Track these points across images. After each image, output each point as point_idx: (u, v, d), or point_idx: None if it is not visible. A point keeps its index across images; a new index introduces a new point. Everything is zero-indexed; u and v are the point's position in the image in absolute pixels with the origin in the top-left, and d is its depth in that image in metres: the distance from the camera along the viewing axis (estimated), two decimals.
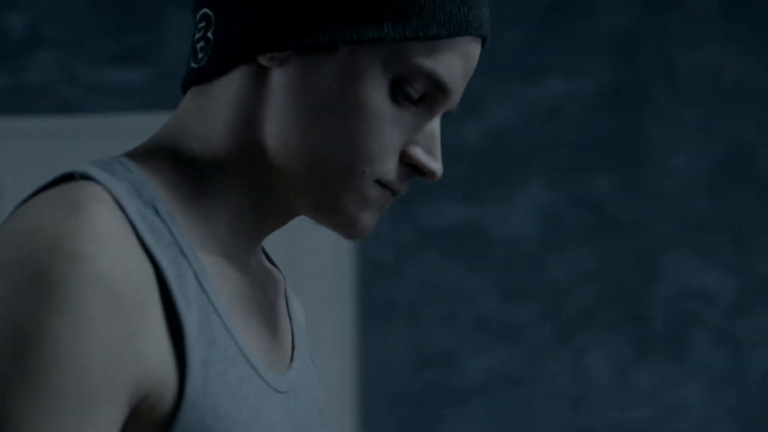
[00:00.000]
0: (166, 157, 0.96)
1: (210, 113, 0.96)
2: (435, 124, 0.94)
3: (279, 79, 0.94)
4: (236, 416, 0.88)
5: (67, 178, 0.91)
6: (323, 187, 0.94)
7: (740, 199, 4.81)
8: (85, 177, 0.90)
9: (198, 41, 0.97)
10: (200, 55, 0.97)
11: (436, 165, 0.94)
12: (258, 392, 0.91)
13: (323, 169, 0.93)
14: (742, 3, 4.17)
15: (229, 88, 0.96)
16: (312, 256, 5.05)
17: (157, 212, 0.90)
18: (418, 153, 0.94)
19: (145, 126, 4.12)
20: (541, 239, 4.15)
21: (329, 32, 0.91)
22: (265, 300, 1.00)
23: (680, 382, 4.79)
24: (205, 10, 0.97)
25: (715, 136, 4.23)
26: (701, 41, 4.15)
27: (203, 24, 0.97)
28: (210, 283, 0.91)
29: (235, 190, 0.96)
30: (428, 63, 0.91)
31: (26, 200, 0.92)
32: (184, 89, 1.01)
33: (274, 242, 4.57)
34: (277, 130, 0.94)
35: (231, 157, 0.96)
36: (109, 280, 0.83)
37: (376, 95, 0.92)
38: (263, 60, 0.94)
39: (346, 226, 0.95)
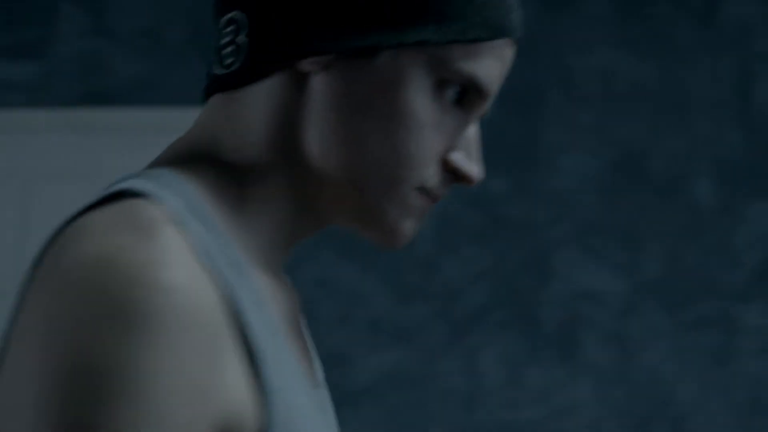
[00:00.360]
0: (204, 168, 0.92)
1: (244, 121, 0.93)
2: (473, 128, 0.93)
3: (319, 85, 0.91)
4: None
5: (120, 194, 0.86)
6: (364, 195, 0.91)
7: (632, 201, 4.88)
8: (139, 193, 0.85)
9: (225, 46, 0.93)
10: (228, 61, 0.93)
11: (476, 170, 0.92)
12: (313, 413, 0.89)
13: (365, 178, 0.91)
14: (636, 5, 4.23)
15: (264, 94, 0.92)
16: None
17: (211, 230, 0.86)
18: (459, 158, 0.92)
19: (32, 122, 4.03)
20: (434, 240, 4.17)
21: (372, 36, 0.88)
22: (295, 314, 0.98)
23: (570, 382, 4.84)
24: (234, 13, 0.92)
25: (608, 137, 4.28)
26: (596, 43, 4.20)
27: (232, 28, 0.92)
28: (268, 303, 0.89)
29: (275, 200, 0.92)
30: (469, 66, 0.90)
31: (73, 218, 0.86)
32: (207, 96, 0.96)
33: None
34: (317, 137, 0.91)
35: (270, 166, 0.92)
36: (192, 311, 0.78)
37: (419, 100, 0.90)
38: (304, 65, 0.91)
39: (386, 236, 0.93)
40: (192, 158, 0.92)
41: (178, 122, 4.96)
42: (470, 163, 0.93)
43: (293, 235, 0.94)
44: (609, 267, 4.89)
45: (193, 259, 0.80)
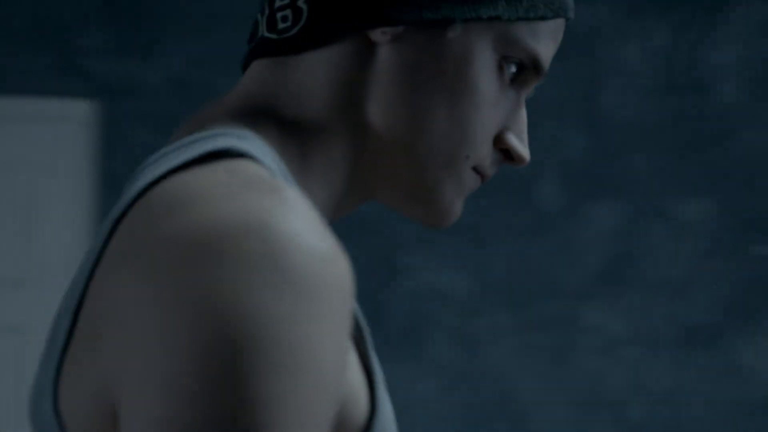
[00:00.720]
0: (269, 130, 0.88)
1: (303, 87, 0.89)
2: (524, 109, 0.94)
3: (388, 56, 0.89)
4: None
5: (218, 153, 0.81)
6: (425, 170, 0.90)
7: (478, 202, 4.96)
8: (242, 154, 0.81)
9: (280, 9, 0.89)
10: (283, 25, 0.89)
11: (526, 152, 0.92)
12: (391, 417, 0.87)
13: (428, 152, 0.89)
14: None
15: (327, 62, 0.89)
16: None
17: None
18: (513, 139, 0.92)
19: None
20: None
21: (444, 9, 0.87)
22: None
23: (417, 379, 4.91)
24: None
25: None
26: None
27: None
28: None
29: (334, 168, 0.90)
30: (533, 43, 0.90)
31: (152, 183, 0.79)
32: (251, 59, 0.92)
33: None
34: (382, 107, 0.89)
35: (332, 133, 0.89)
36: (344, 280, 0.74)
37: (486, 76, 0.89)
38: (374, 35, 0.88)
39: (438, 213, 0.92)
40: (256, 118, 0.89)
41: (19, 111, 4.92)
42: (522, 146, 0.93)
43: (339, 207, 0.92)
44: (455, 266, 4.96)
45: (325, 228, 0.76)
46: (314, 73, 0.90)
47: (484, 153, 0.91)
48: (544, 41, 0.91)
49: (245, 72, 0.96)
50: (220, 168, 0.78)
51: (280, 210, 0.73)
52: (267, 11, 0.91)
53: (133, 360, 0.71)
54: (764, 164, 4.14)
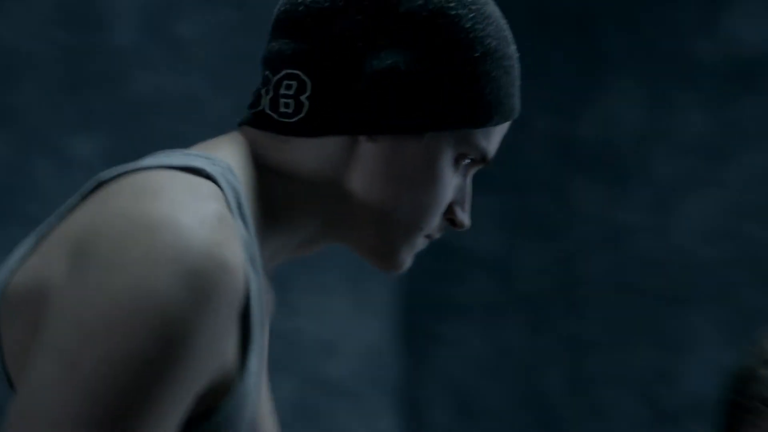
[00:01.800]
0: (253, 172, 1.10)
1: (293, 159, 1.11)
2: (470, 183, 1.16)
3: (369, 150, 1.11)
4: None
5: (190, 169, 1.03)
6: (387, 238, 1.13)
7: None
8: (210, 177, 1.03)
9: (285, 96, 1.10)
10: (285, 110, 1.10)
11: (467, 219, 1.15)
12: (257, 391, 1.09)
13: (393, 226, 1.12)
14: None
15: (317, 146, 1.11)
16: None
17: (248, 227, 1.05)
18: (459, 211, 1.15)
19: None
20: None
21: (424, 120, 1.10)
22: (269, 310, 1.21)
23: None
24: (298, 72, 1.10)
25: None
26: None
27: (294, 84, 1.10)
28: (263, 298, 1.08)
29: (305, 216, 1.12)
30: (485, 143, 1.12)
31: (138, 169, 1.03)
32: (251, 123, 1.13)
33: None
34: (360, 188, 1.11)
35: (311, 189, 1.11)
36: (238, 295, 0.96)
37: (447, 169, 1.12)
38: (359, 136, 1.11)
39: (389, 265, 1.14)
40: (246, 161, 1.10)
41: None
42: (464, 214, 1.15)
43: (302, 247, 1.14)
44: None
45: (241, 250, 0.98)
46: (304, 152, 1.11)
47: (435, 224, 1.14)
48: (495, 138, 1.14)
49: (242, 126, 1.16)
50: (190, 180, 1.01)
51: (215, 228, 0.95)
52: (272, 93, 1.12)
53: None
54: (155, 106, 3.72)
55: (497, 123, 1.13)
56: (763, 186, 3.64)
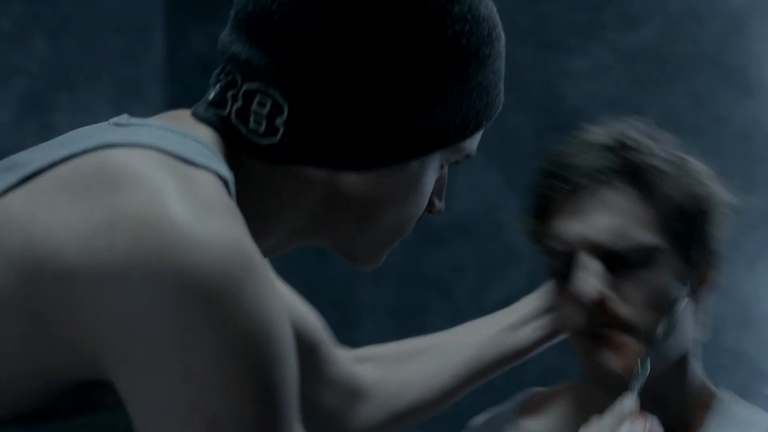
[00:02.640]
0: (240, 166, 0.99)
1: (276, 175, 1.00)
2: (446, 170, 1.07)
3: (351, 179, 1.00)
4: None
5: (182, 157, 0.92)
6: (370, 244, 1.05)
7: None
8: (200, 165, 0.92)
9: (255, 114, 0.98)
10: (256, 128, 0.98)
11: (443, 205, 1.08)
12: None
13: (377, 235, 1.04)
14: None
15: (299, 170, 1.00)
16: None
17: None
18: (437, 202, 1.08)
19: None
20: None
21: (413, 150, 1.00)
22: None
23: None
24: (273, 92, 0.97)
25: None
26: None
27: (267, 103, 0.97)
28: None
29: (280, 226, 1.02)
30: (470, 145, 1.04)
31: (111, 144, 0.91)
32: (211, 125, 1.00)
33: None
34: (343, 207, 1.02)
35: (288, 206, 1.01)
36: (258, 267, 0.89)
37: (432, 178, 1.04)
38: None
39: (367, 266, 1.07)
40: (230, 150, 0.99)
41: None
42: (441, 202, 1.08)
43: (270, 249, 1.03)
44: None
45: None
46: (288, 170, 1.00)
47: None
48: (478, 137, 1.05)
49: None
50: (191, 173, 0.90)
51: (233, 228, 0.87)
52: (240, 103, 0.98)
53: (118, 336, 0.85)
54: None
55: (486, 125, 1.04)
56: None
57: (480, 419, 1.51)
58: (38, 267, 0.86)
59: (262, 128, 0.98)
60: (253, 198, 0.98)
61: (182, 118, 1.00)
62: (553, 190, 1.33)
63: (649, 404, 1.27)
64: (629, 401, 1.23)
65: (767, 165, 2.77)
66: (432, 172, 1.03)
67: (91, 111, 2.94)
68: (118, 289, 0.85)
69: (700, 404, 1.37)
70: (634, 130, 1.34)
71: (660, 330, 1.27)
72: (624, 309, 1.27)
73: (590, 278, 1.27)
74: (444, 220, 3.05)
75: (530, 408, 1.47)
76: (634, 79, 2.87)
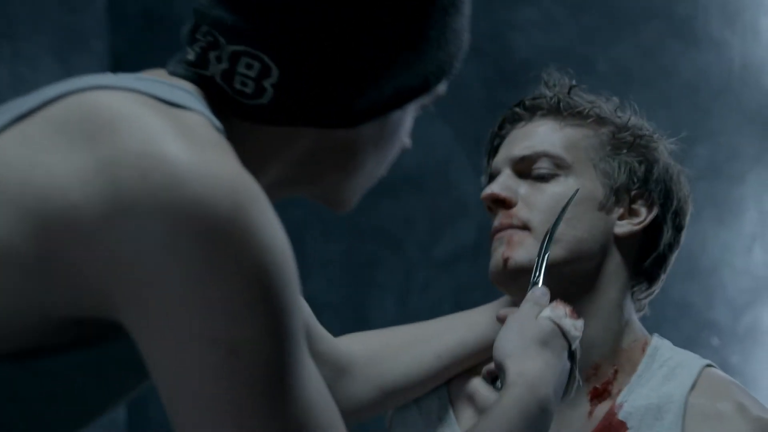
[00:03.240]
0: (221, 120, 0.98)
1: (261, 133, 1.01)
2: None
3: (338, 133, 1.01)
4: None
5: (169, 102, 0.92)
6: (349, 189, 1.06)
7: None
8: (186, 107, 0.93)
9: (242, 75, 0.98)
10: (243, 89, 0.98)
11: (410, 141, 1.09)
12: None
13: (357, 181, 1.06)
14: None
15: (285, 128, 1.01)
16: None
17: None
18: (406, 140, 1.08)
19: None
20: None
21: (400, 99, 1.02)
22: None
23: None
24: (262, 56, 0.98)
25: None
26: None
27: (255, 65, 0.98)
28: None
29: (271, 178, 1.02)
30: (443, 88, 1.06)
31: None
32: (193, 82, 1.01)
33: None
34: (328, 157, 1.03)
35: (273, 157, 1.02)
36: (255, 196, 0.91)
37: (409, 122, 1.06)
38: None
39: (346, 208, 1.08)
40: (214, 107, 0.99)
41: None
42: (407, 139, 1.09)
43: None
44: None
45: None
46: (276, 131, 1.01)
47: None
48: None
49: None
50: (191, 117, 0.91)
51: (235, 170, 0.88)
52: (226, 64, 0.98)
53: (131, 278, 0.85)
54: None
55: (458, 66, 1.06)
56: None
57: None
58: (41, 205, 0.86)
59: (250, 89, 0.98)
60: (237, 154, 0.96)
61: (163, 75, 1.00)
62: (499, 131, 1.50)
63: (582, 346, 1.34)
64: (538, 290, 1.34)
65: (713, 116, 2.78)
66: (409, 116, 1.06)
67: (33, 61, 2.90)
68: (128, 225, 0.85)
69: (634, 349, 1.44)
70: (567, 78, 1.49)
71: (551, 224, 1.40)
72: (524, 211, 1.42)
73: (495, 184, 1.43)
74: (393, 173, 3.04)
75: None
76: (582, 31, 2.87)
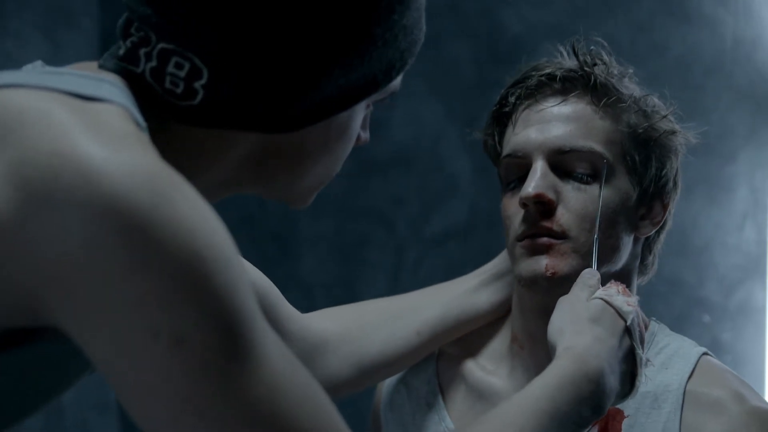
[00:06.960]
0: (153, 120, 0.95)
1: (197, 134, 0.98)
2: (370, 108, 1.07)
3: (280, 136, 0.99)
4: None
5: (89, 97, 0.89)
6: (304, 188, 1.04)
7: None
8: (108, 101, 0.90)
9: (171, 75, 0.95)
10: (172, 89, 0.95)
11: (368, 135, 1.07)
12: None
13: (310, 180, 1.03)
14: None
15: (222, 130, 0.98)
16: None
17: None
18: (362, 134, 1.06)
19: None
20: None
21: (340, 104, 0.98)
22: None
23: None
24: (191, 57, 0.94)
25: None
26: None
27: (185, 66, 0.94)
28: None
29: (210, 179, 0.99)
30: (395, 84, 1.03)
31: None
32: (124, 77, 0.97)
33: None
34: (272, 164, 1.00)
35: (213, 159, 0.99)
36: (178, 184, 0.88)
37: (359, 120, 1.03)
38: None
39: (301, 205, 1.06)
40: (145, 105, 0.96)
41: None
42: (366, 133, 1.06)
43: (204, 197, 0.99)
44: None
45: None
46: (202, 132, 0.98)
47: None
48: (401, 75, 1.04)
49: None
50: (106, 108, 0.88)
51: (152, 161, 0.85)
52: (155, 62, 0.95)
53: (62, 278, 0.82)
54: None
55: (411, 61, 1.03)
56: None
57: None
58: None
59: (180, 89, 0.95)
60: (171, 155, 0.94)
61: (92, 68, 0.97)
62: (518, 99, 1.41)
63: None
64: (588, 272, 1.30)
65: (705, 93, 2.77)
66: (359, 115, 1.02)
67: (21, 38, 2.89)
68: (46, 228, 0.82)
69: None
70: (605, 54, 1.42)
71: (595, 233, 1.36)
72: (565, 217, 1.35)
73: (537, 181, 1.35)
74: (384, 152, 3.05)
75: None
76: (574, 7, 2.86)
